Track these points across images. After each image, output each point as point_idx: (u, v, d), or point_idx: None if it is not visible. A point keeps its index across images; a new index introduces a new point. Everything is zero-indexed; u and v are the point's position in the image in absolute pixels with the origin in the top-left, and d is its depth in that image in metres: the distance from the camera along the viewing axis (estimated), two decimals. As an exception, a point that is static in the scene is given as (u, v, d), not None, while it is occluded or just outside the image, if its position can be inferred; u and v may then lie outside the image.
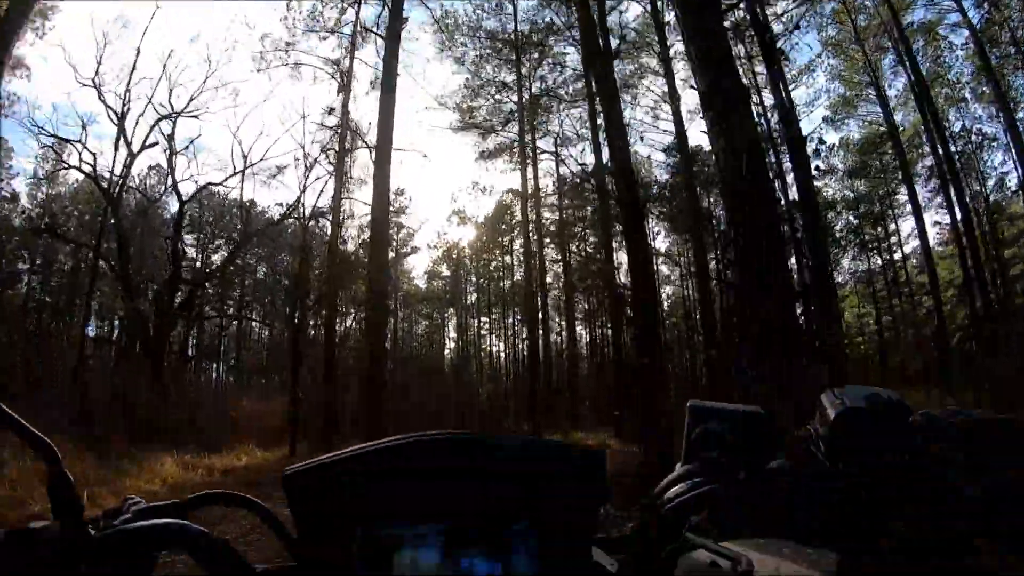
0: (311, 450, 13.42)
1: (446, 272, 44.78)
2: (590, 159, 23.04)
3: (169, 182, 21.94)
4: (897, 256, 37.44)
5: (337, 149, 18.15)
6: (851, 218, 37.59)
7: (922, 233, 27.43)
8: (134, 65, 20.73)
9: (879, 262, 38.80)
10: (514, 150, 28.48)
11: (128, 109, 21.14)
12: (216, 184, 22.25)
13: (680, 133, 26.84)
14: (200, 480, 9.87)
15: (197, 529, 0.72)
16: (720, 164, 7.80)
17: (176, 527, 0.72)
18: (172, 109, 20.96)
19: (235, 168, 21.77)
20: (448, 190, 72.60)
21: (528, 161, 28.92)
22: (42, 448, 0.69)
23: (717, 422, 0.88)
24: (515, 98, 26.67)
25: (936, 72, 26.98)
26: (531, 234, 26.37)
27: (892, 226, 37.54)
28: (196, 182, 22.78)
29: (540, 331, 24.00)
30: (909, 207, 31.67)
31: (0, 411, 0.67)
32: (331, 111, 17.91)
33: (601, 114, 24.02)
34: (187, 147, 21.55)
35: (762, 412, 0.89)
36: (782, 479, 0.79)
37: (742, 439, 0.87)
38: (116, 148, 21.41)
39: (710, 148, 11.65)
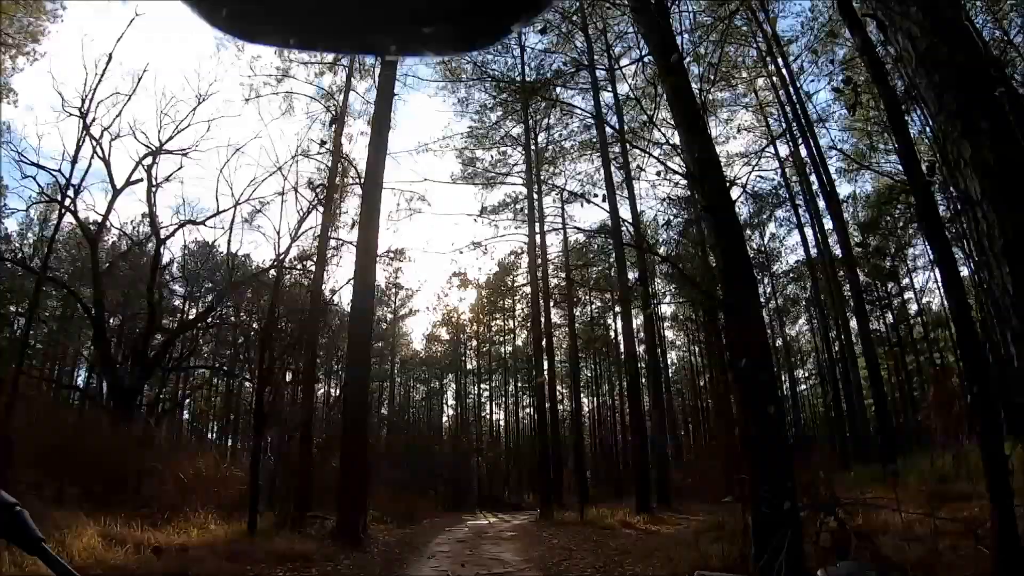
0: (277, 525, 10.91)
1: (445, 336, 42.47)
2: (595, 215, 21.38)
3: (154, 221, 20.06)
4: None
5: (327, 183, 16.35)
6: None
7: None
8: (128, 97, 19.16)
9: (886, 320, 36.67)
10: (518, 205, 26.90)
11: (112, 141, 19.47)
12: (198, 222, 20.33)
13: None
14: (120, 562, 7.45)
15: None
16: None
17: None
18: (158, 142, 19.35)
19: (219, 207, 19.96)
20: (448, 247, 71.34)
21: (535, 219, 27.35)
22: None
23: None
24: (520, 150, 25.28)
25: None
26: (539, 290, 24.32)
27: (905, 280, 35.64)
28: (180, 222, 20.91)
29: (547, 391, 21.43)
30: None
31: (46, 554, 0.70)
32: (322, 143, 16.23)
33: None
34: (168, 179, 19.75)
35: None
36: None
37: None
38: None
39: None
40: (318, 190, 16.37)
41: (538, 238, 24.68)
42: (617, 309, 41.89)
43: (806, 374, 40.86)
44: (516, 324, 41.66)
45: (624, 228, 23.33)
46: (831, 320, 30.57)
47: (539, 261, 24.90)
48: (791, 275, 37.82)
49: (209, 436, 34.07)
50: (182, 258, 24.32)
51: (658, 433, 19.75)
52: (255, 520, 10.08)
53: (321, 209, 16.50)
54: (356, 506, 10.51)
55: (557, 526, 14.45)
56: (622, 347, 43.45)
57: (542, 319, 25.11)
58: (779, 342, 38.77)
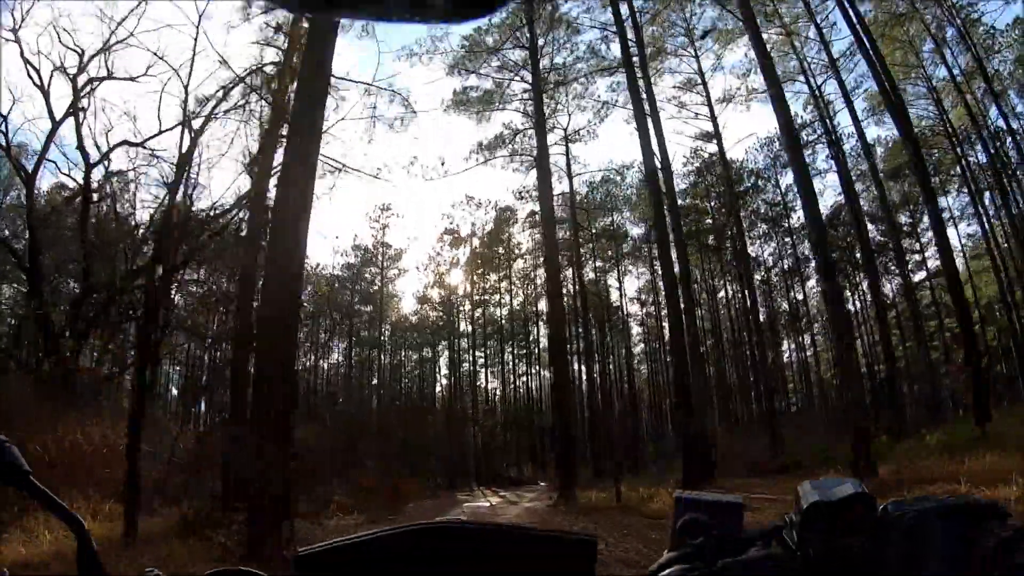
0: (185, 526, 6.96)
1: (437, 298, 38.34)
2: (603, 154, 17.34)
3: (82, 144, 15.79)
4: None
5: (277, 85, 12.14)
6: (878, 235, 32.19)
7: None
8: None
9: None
10: (521, 137, 22.71)
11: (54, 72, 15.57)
12: (135, 143, 16.12)
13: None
14: None
15: None
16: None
17: None
18: (81, 55, 15.12)
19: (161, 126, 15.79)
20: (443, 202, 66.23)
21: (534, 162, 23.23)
22: (71, 522, 0.68)
23: (701, 511, 0.89)
24: (522, 78, 21.04)
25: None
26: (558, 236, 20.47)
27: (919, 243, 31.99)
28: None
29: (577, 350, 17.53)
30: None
31: (34, 488, 0.67)
32: (279, 28, 12.03)
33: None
34: (92, 89, 15.58)
35: (742, 502, 0.92)
36: (757, 566, 0.80)
37: (724, 527, 0.87)
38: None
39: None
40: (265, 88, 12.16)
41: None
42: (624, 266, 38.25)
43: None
44: (512, 285, 37.70)
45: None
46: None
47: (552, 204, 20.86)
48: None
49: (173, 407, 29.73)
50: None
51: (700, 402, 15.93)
52: (133, 520, 6.14)
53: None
54: (273, 509, 6.45)
55: (586, 513, 10.66)
56: (629, 309, 39.91)
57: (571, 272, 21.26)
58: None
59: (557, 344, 16.92)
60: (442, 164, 20.91)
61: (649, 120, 17.97)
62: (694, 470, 12.73)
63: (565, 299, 38.55)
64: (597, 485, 14.91)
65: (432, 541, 0.82)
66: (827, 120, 25.21)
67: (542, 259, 36.73)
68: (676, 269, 17.88)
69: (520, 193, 25.85)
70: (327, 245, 63.38)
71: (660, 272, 29.26)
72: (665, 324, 38.02)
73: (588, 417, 33.14)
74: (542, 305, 41.03)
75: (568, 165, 23.82)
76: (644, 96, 17.39)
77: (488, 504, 15.82)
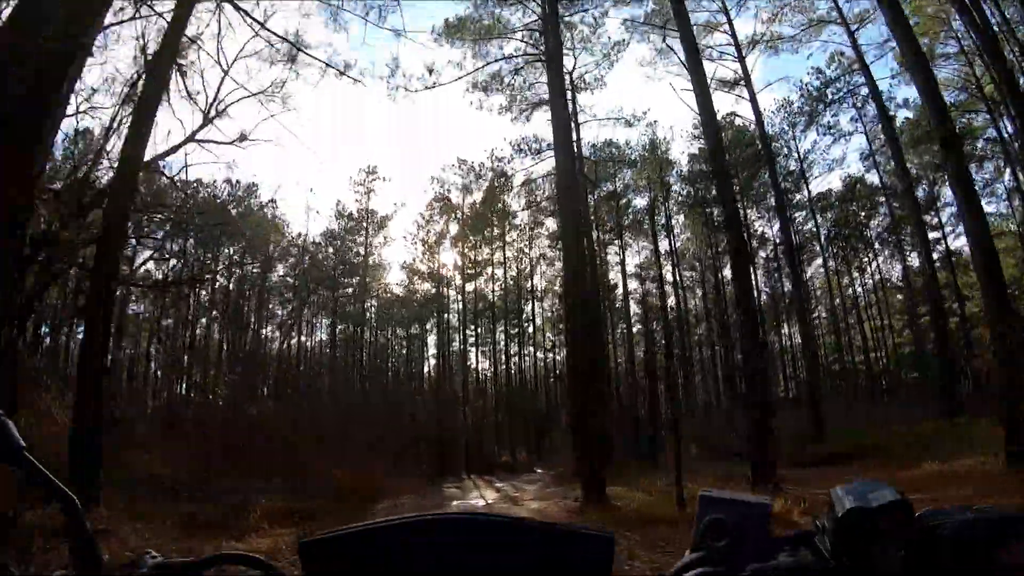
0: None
1: (425, 268, 34.62)
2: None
3: None
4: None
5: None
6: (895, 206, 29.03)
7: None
8: None
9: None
10: (518, 79, 19.06)
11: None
12: None
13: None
14: None
15: None
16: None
17: None
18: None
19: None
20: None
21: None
22: (64, 499, 0.66)
23: (725, 511, 0.83)
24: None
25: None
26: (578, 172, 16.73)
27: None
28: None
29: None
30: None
31: (28, 464, 0.65)
32: None
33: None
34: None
35: (769, 503, 0.86)
36: (785, 574, 0.75)
37: (750, 529, 0.82)
38: None
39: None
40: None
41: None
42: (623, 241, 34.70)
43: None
44: (505, 258, 34.12)
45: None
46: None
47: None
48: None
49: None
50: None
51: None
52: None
53: None
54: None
55: (640, 526, 6.91)
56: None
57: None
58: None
59: (589, 313, 13.11)
60: (429, 72, 17.05)
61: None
62: (762, 465, 9.31)
63: (561, 272, 35.21)
64: (616, 480, 11.42)
65: (440, 532, 0.78)
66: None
67: (542, 227, 33.41)
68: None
69: (519, 145, 22.03)
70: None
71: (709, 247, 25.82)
72: (659, 301, 35.03)
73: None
74: (537, 280, 37.78)
75: (575, 114, 20.20)
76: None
77: (483, 502, 12.29)
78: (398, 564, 0.76)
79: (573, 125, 19.73)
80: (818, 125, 27.32)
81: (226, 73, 15.59)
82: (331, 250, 32.90)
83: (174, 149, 15.41)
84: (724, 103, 36.17)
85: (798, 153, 28.74)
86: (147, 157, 15.29)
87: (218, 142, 15.52)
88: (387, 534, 0.77)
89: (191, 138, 15.61)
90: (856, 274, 34.98)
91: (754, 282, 30.54)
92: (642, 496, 9.18)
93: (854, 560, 0.73)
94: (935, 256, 26.93)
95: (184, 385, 29.89)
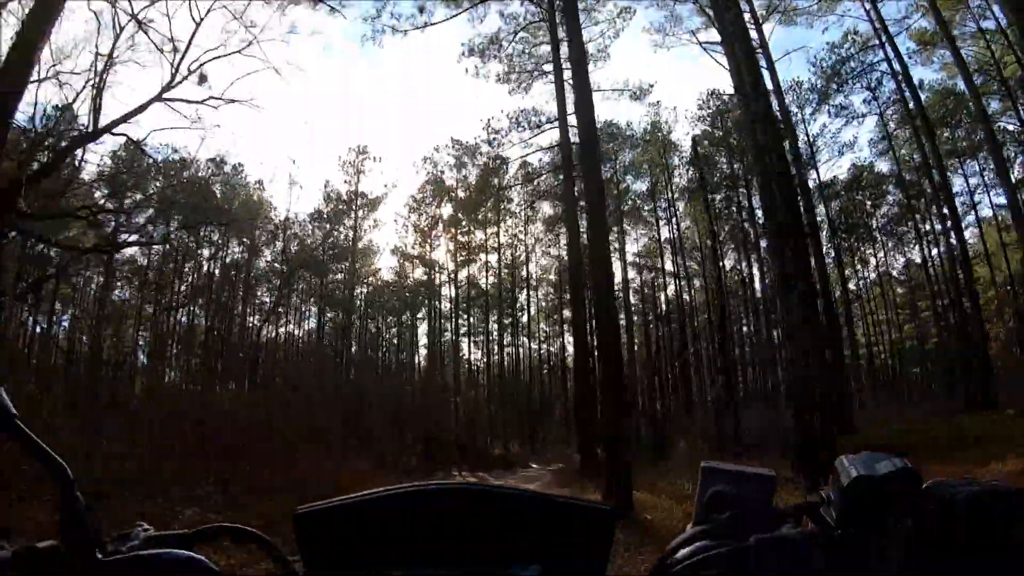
0: None
1: (415, 252, 32.80)
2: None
3: None
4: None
5: None
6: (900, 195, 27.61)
7: None
8: None
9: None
10: (517, 47, 17.28)
11: None
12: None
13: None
14: None
15: (203, 562, 0.68)
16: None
17: (183, 558, 0.68)
18: None
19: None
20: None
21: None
22: (55, 468, 0.65)
23: (729, 483, 0.81)
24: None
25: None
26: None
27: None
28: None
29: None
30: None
31: (18, 431, 0.63)
32: None
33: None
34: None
35: (773, 474, 0.83)
36: (793, 544, 0.73)
37: (753, 501, 0.80)
38: None
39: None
40: None
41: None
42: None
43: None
44: (500, 245, 32.31)
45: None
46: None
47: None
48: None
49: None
50: None
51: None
52: None
53: None
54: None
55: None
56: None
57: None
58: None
59: (603, 292, 11.13)
60: (420, 12, 15.26)
61: None
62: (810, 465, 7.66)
63: (559, 258, 33.43)
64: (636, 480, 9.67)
65: (437, 502, 0.75)
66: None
67: (537, 212, 31.60)
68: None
69: (517, 118, 20.06)
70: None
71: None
72: (663, 292, 33.43)
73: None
74: (532, 267, 36.04)
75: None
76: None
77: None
78: (395, 534, 0.73)
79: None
80: (830, 106, 25.68)
81: (198, 25, 13.87)
82: (319, 233, 30.96)
83: (140, 109, 13.80)
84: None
85: (808, 136, 27.09)
86: (111, 119, 13.76)
87: (189, 100, 13.90)
88: (384, 503, 0.73)
89: (159, 96, 13.98)
90: (859, 266, 33.59)
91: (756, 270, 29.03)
92: (669, 504, 7.45)
93: (861, 529, 0.71)
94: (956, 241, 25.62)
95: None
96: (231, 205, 30.85)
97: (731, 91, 22.89)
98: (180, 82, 14.16)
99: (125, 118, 13.77)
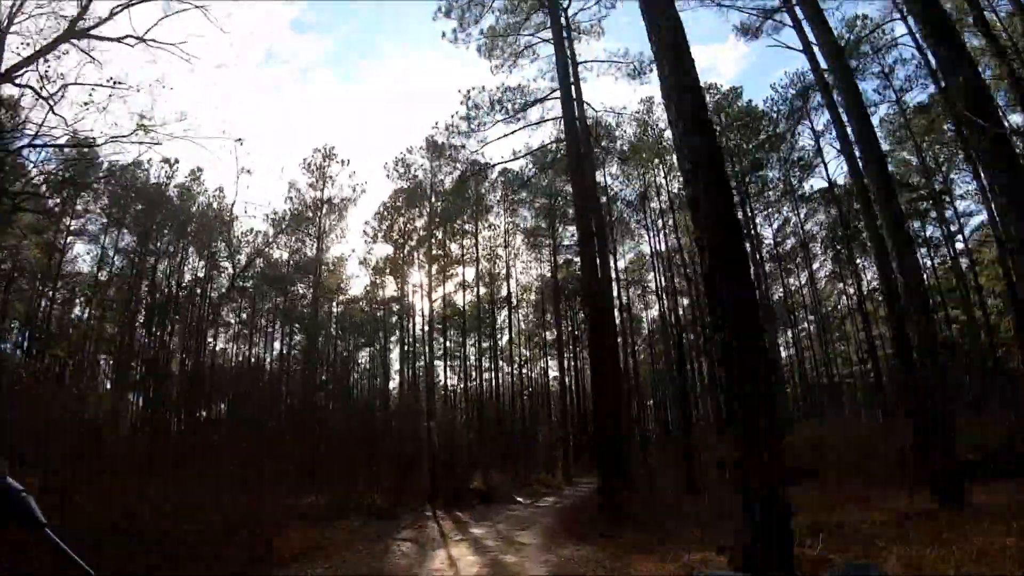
0: None
1: (386, 267, 29.80)
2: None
3: None
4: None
5: None
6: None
7: None
8: None
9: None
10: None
11: None
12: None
13: None
14: None
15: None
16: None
17: None
18: None
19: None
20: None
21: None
22: (81, 573, 0.65)
23: None
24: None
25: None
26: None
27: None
28: None
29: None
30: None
31: (46, 537, 0.64)
32: None
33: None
34: None
35: None
36: None
37: None
38: None
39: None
40: None
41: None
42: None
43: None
44: (480, 258, 29.48)
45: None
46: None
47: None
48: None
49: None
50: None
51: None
52: None
53: None
54: None
55: None
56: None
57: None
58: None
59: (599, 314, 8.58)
60: None
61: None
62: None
63: (544, 271, 30.76)
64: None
65: None
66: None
67: (517, 223, 28.98)
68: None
69: (500, 99, 17.32)
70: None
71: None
72: (656, 308, 30.89)
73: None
74: (513, 284, 33.30)
75: (573, 61, 15.91)
76: None
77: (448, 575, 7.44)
78: None
79: (571, 74, 15.46)
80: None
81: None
82: (282, 239, 27.73)
83: (48, 48, 11.07)
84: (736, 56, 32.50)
85: (813, 131, 25.10)
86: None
87: (102, 37, 11.16)
88: None
89: (71, 31, 11.25)
90: (851, 279, 31.56)
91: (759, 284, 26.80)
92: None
93: None
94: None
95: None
96: (188, 214, 27.80)
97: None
98: (99, 23, 11.47)
99: (29, 60, 11.01)
